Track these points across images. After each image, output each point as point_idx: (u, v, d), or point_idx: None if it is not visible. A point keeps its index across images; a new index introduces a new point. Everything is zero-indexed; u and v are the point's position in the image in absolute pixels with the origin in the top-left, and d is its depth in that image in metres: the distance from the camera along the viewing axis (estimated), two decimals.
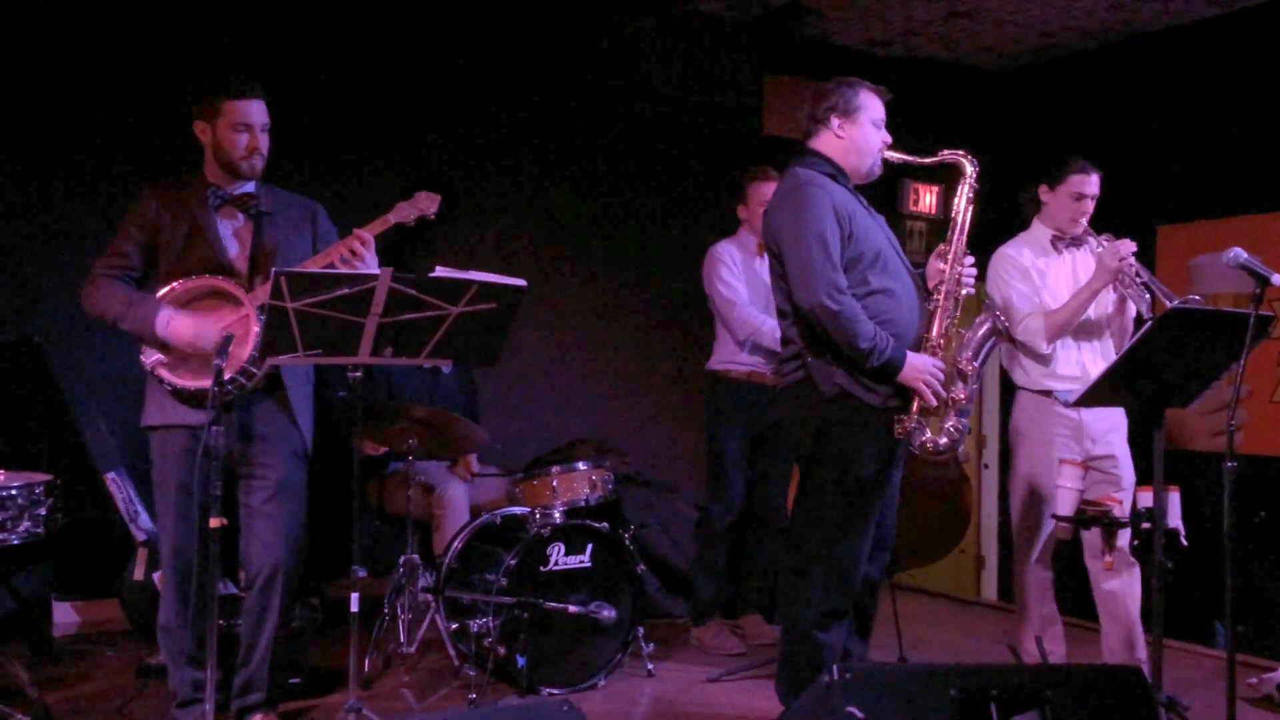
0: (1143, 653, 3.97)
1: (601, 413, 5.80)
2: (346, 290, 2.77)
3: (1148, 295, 3.72)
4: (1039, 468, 3.95)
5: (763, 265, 4.68)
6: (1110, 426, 3.96)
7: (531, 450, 4.92)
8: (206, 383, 3.08)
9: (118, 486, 4.46)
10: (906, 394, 3.21)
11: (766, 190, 4.60)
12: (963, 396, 3.22)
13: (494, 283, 2.90)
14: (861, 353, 3.13)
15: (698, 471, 5.51)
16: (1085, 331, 3.95)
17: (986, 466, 6.70)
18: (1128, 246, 3.71)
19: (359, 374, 3.10)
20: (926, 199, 6.48)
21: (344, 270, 3.08)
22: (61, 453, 4.60)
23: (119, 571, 4.38)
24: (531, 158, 5.71)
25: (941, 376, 3.20)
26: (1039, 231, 4.07)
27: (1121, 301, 3.93)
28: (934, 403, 3.18)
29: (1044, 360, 3.93)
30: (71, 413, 4.65)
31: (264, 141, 3.31)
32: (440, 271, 2.85)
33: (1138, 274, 3.71)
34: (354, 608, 3.11)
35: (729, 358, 4.66)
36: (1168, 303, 3.33)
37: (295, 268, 2.98)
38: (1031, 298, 3.96)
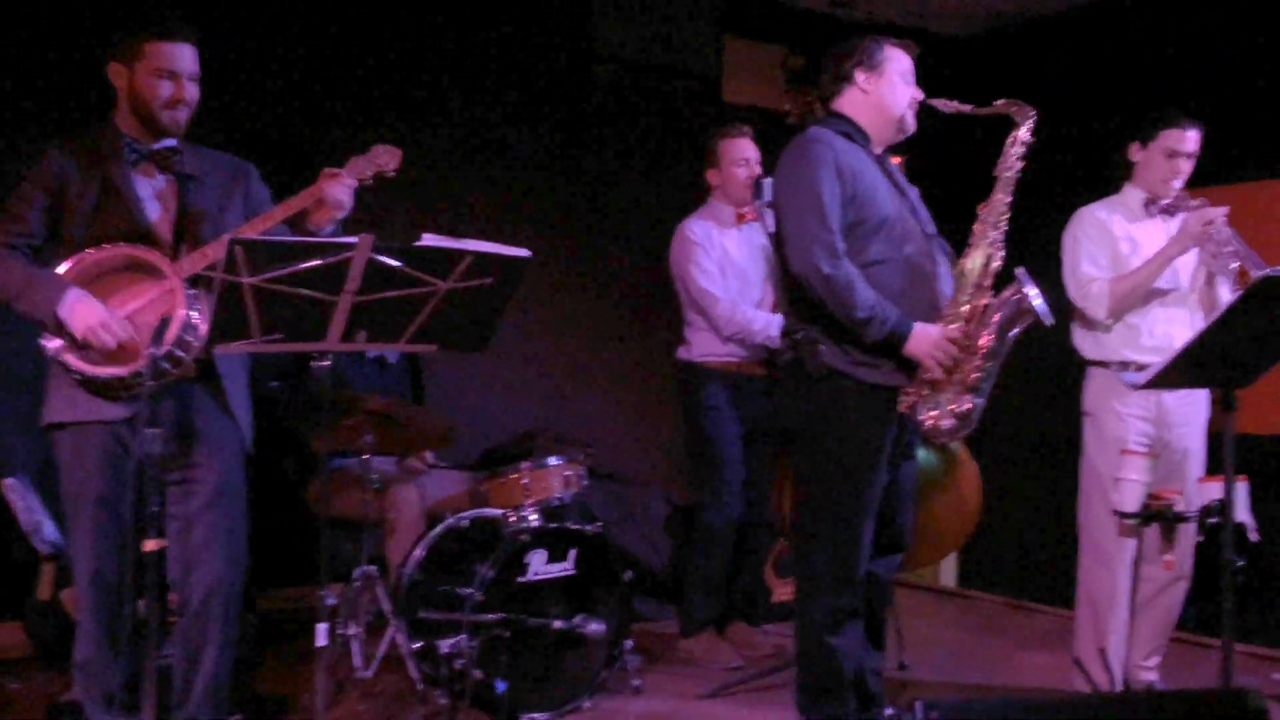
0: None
1: (554, 400, 5.32)
2: (319, 261, 2.27)
3: (1234, 267, 3.34)
4: (1111, 454, 3.43)
5: (741, 237, 4.27)
6: (1195, 412, 3.54)
7: (477, 442, 4.48)
8: (122, 370, 2.61)
9: (18, 494, 3.86)
10: (911, 370, 2.90)
11: (739, 148, 4.21)
12: (977, 375, 2.88)
13: (493, 253, 2.42)
14: (859, 322, 2.84)
15: (665, 464, 5.11)
16: (1174, 301, 3.53)
17: None
18: (1217, 211, 3.34)
19: (326, 362, 2.59)
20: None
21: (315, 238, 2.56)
22: None
23: (24, 591, 3.78)
24: (475, 119, 5.18)
25: (953, 350, 2.86)
26: (1130, 195, 3.66)
27: (1211, 277, 3.52)
28: (940, 375, 2.86)
29: (1129, 330, 3.51)
30: None
31: (192, 92, 2.80)
32: (429, 239, 2.36)
33: (1227, 243, 3.32)
34: (321, 640, 2.60)
35: (712, 349, 4.18)
36: (1255, 273, 2.97)
37: (255, 235, 2.47)
38: (1100, 261, 3.55)
